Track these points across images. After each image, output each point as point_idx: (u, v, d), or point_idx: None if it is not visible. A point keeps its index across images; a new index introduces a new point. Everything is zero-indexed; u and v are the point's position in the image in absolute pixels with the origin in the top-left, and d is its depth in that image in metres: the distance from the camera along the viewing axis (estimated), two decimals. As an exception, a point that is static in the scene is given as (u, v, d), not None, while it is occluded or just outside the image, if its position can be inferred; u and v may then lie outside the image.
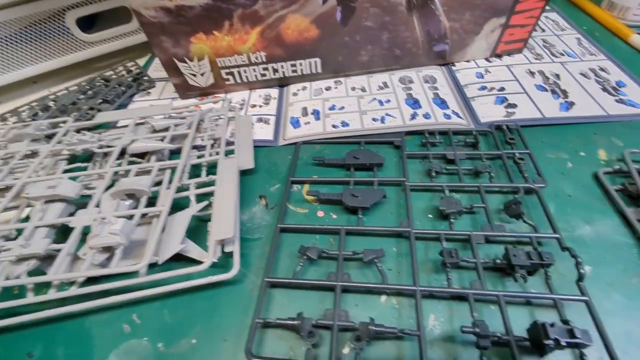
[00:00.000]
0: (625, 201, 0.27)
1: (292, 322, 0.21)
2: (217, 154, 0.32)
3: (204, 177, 0.31)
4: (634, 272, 0.24)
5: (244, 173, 0.33)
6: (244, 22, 0.35)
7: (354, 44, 0.39)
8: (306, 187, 0.32)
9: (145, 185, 0.28)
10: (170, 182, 0.30)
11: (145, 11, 0.34)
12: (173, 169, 0.31)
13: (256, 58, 0.39)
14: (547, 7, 0.52)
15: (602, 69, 0.40)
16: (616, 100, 0.36)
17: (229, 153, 0.33)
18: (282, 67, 0.40)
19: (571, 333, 0.18)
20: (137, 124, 0.36)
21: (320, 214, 0.29)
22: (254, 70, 0.40)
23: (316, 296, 0.24)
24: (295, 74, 0.42)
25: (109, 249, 0.25)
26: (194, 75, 0.40)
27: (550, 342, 0.18)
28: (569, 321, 0.20)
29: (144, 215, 0.27)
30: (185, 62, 0.38)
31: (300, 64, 0.41)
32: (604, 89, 0.37)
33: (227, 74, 0.40)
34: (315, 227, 0.27)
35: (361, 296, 0.24)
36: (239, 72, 0.40)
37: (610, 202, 0.28)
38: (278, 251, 0.27)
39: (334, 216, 0.29)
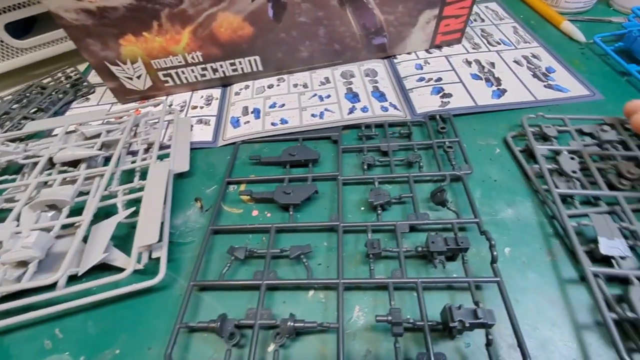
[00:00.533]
0: (526, 160, 0.30)
1: (212, 325, 0.21)
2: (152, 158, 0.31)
3: (135, 183, 0.30)
4: (547, 250, 0.25)
5: (180, 176, 0.33)
6: (174, 22, 0.35)
7: (292, 40, 0.39)
8: (242, 187, 0.31)
9: (67, 195, 0.27)
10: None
11: (66, 14, 0.32)
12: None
13: (192, 58, 0.38)
14: (487, -3, 0.53)
15: (534, 56, 0.41)
16: (545, 86, 0.37)
17: (164, 157, 0.33)
18: (221, 66, 0.40)
19: (475, 314, 0.19)
20: (68, 132, 0.35)
21: (255, 213, 0.29)
22: (193, 70, 0.40)
23: (245, 296, 0.24)
24: (236, 73, 0.41)
25: (24, 264, 0.24)
26: (130, 78, 0.39)
27: (455, 324, 0.18)
28: (479, 302, 0.20)
29: (67, 226, 0.27)
30: (119, 65, 0.37)
31: (240, 63, 0.40)
32: (535, 75, 0.39)
33: (164, 75, 0.39)
34: (246, 226, 0.27)
35: (289, 293, 0.24)
36: (177, 74, 0.40)
37: (527, 179, 0.29)
38: (210, 253, 0.27)
39: (268, 214, 0.29)
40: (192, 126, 0.37)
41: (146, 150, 0.33)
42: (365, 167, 0.30)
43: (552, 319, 0.21)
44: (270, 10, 0.36)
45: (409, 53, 0.44)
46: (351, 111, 0.36)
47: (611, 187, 0.27)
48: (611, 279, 0.23)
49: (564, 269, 0.24)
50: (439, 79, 0.39)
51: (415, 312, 0.22)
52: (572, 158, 0.28)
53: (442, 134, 0.32)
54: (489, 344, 0.19)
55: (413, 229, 0.26)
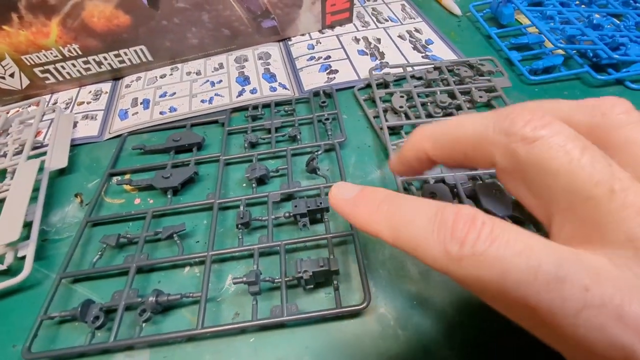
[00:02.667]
0: (368, 105, 0.35)
1: (73, 312, 0.21)
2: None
3: (3, 184, 0.29)
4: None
5: (60, 173, 0.31)
6: (36, 13, 0.33)
7: (176, 27, 0.38)
8: (127, 177, 0.31)
9: None
10: (-42, 195, 0.27)
11: None
12: (-37, 182, 0.28)
13: (70, 52, 0.37)
14: (382, -22, 0.56)
15: (417, 30, 0.44)
16: (422, 57, 0.40)
17: (40, 155, 0.31)
18: (105, 58, 0.38)
19: (317, 263, 0.20)
20: None
21: (137, 201, 0.29)
22: (74, 65, 0.38)
23: (121, 282, 0.24)
24: (124, 65, 0.40)
25: None
26: (2, 77, 0.36)
27: (301, 274, 0.20)
28: (332, 254, 0.22)
29: None
30: (-16, 64, 0.35)
31: (126, 54, 0.39)
32: (415, 48, 0.41)
33: (42, 72, 0.37)
34: (123, 215, 0.27)
35: (164, 272, 0.24)
36: (56, 69, 0.38)
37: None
38: (87, 246, 0.26)
39: (151, 201, 0.29)
40: (76, 122, 0.36)
41: (19, 152, 0.31)
42: (246, 145, 0.31)
43: (397, 262, 0.24)
44: (144, -3, 0.35)
45: (302, 35, 0.45)
46: (240, 94, 0.37)
47: (434, 116, 0.32)
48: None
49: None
50: (328, 57, 0.41)
51: (285, 269, 0.23)
52: (402, 96, 0.33)
53: (322, 108, 0.34)
54: (335, 288, 0.21)
55: (290, 197, 0.28)
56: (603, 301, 0.09)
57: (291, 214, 0.25)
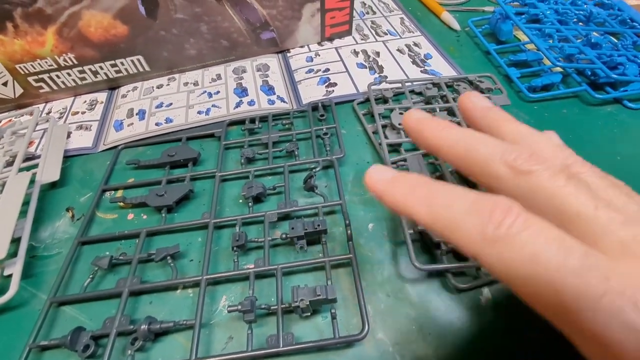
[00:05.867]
0: (367, 120, 0.34)
1: (63, 340, 0.20)
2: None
3: (-8, 199, 0.28)
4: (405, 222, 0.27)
5: (53, 186, 0.31)
6: (32, 23, 0.32)
7: (174, 38, 0.38)
8: (119, 193, 0.30)
9: None
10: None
11: None
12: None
13: (65, 61, 0.36)
14: (381, -10, 0.56)
15: (415, 44, 0.44)
16: (421, 71, 0.40)
17: (32, 168, 0.30)
18: (101, 68, 0.38)
19: (314, 292, 0.20)
20: None
21: (131, 216, 0.28)
22: (69, 74, 0.37)
23: (112, 305, 0.23)
24: (121, 74, 0.39)
25: None
26: (-5, 86, 0.36)
27: (297, 303, 0.19)
28: (329, 280, 0.22)
29: None
30: (-24, 73, 0.34)
31: (122, 64, 0.38)
32: (414, 62, 0.41)
33: (36, 81, 0.37)
34: (115, 234, 0.26)
35: (157, 294, 0.24)
36: (51, 78, 0.37)
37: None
38: (78, 265, 0.26)
39: (144, 217, 0.28)
40: (70, 133, 0.35)
41: (9, 164, 0.31)
42: (243, 161, 0.30)
43: (397, 284, 0.23)
44: (141, 7, 0.34)
45: (301, 47, 0.45)
46: (238, 105, 0.36)
47: None
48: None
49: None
50: (327, 70, 0.40)
51: (282, 295, 0.23)
52: (401, 113, 0.33)
53: (321, 122, 0.34)
54: (333, 317, 0.20)
55: (287, 216, 0.27)
56: (622, 289, 0.10)
57: (288, 236, 0.24)
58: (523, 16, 0.41)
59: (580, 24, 0.43)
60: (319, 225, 0.24)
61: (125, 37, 0.36)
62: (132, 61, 0.39)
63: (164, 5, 0.35)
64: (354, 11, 0.50)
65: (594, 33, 0.40)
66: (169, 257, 0.24)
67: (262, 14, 0.39)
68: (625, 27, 0.41)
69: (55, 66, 0.36)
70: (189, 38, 0.38)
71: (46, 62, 0.36)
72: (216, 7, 0.37)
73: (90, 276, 0.24)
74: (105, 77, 0.39)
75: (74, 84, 0.38)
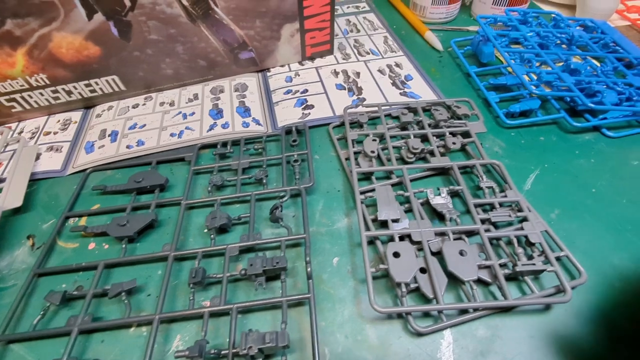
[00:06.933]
0: (341, 145, 0.34)
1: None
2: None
3: (-50, 227, 0.27)
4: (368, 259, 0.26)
5: (15, 212, 0.30)
6: (0, 44, 0.32)
7: (149, 58, 0.37)
8: (83, 220, 0.30)
9: None
10: None
11: None
12: None
13: (37, 81, 0.36)
14: (366, 8, 0.56)
15: (397, 65, 0.44)
16: (400, 93, 0.39)
17: (-5, 193, 0.30)
18: (75, 88, 0.37)
19: (264, 339, 0.19)
20: None
21: (92, 246, 0.28)
22: (42, 94, 0.37)
23: (63, 344, 0.22)
24: (96, 94, 0.39)
25: None
26: (-35, 106, 0.35)
27: (245, 351, 0.19)
28: (283, 324, 0.21)
29: None
30: (-55, 93, 0.34)
31: (97, 83, 0.38)
32: (394, 83, 0.41)
33: (8, 101, 0.36)
34: (73, 266, 0.26)
35: (110, 332, 0.23)
36: (23, 98, 0.36)
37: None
38: (32, 298, 0.25)
39: (106, 246, 0.28)
40: (39, 154, 0.35)
41: (-28, 188, 0.30)
42: (210, 188, 0.30)
43: (357, 325, 0.23)
44: (114, 29, 0.34)
45: (282, 66, 0.44)
46: (211, 128, 0.36)
47: (406, 161, 0.31)
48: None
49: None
50: (305, 91, 0.40)
51: (234, 338, 0.22)
52: (374, 140, 0.32)
53: (293, 147, 0.33)
54: (284, 364, 0.20)
55: (251, 249, 0.26)
56: None
57: (247, 273, 0.24)
58: (504, 39, 0.40)
59: (564, 46, 0.42)
60: (277, 263, 0.23)
61: (98, 57, 0.36)
62: (107, 81, 0.38)
63: (137, 27, 0.34)
64: (339, 29, 0.50)
65: (574, 58, 0.39)
66: (123, 294, 0.23)
67: (239, 35, 0.39)
68: (607, 50, 0.40)
69: (27, 86, 0.36)
70: (164, 58, 0.38)
71: (17, 83, 0.35)
72: (191, 29, 0.36)
73: (42, 312, 0.23)
74: (79, 97, 0.38)
75: (47, 104, 0.38)
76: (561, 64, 0.38)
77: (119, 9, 0.33)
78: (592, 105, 0.32)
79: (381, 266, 0.23)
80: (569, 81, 0.34)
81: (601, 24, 0.44)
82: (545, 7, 0.53)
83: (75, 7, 0.32)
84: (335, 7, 0.55)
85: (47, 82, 0.36)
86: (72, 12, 0.32)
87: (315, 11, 0.40)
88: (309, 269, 0.23)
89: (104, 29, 0.34)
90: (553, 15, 0.44)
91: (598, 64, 0.40)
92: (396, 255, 0.23)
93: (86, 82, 0.37)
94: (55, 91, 0.37)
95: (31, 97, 0.37)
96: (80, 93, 0.38)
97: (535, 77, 0.36)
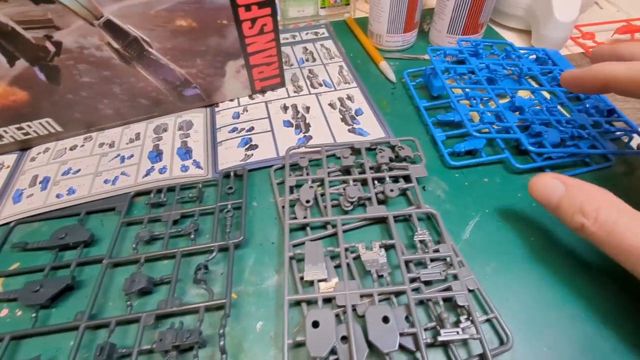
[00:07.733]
0: (281, 191, 0.32)
1: None
2: None
3: None
4: (287, 327, 0.25)
5: None
6: None
7: (84, 100, 0.36)
8: (0, 281, 0.28)
9: None
10: None
11: None
12: None
13: (-39, 127, 0.34)
14: (326, 35, 0.55)
15: (349, 98, 0.43)
16: (349, 130, 0.38)
17: None
18: (5, 132, 0.36)
19: None
20: None
21: (4, 312, 0.26)
22: (-30, 139, 0.35)
23: None
24: (30, 136, 0.37)
25: None
26: None
27: None
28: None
29: None
30: None
31: (30, 126, 0.36)
32: (343, 119, 0.40)
33: None
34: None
35: (7, 418, 0.21)
36: (-52, 144, 0.35)
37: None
38: None
39: (19, 313, 0.26)
40: (-37, 206, 0.33)
41: None
42: (135, 244, 0.28)
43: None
44: (40, 74, 0.33)
45: (232, 100, 0.43)
46: (148, 173, 0.34)
47: (344, 210, 0.30)
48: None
49: (308, 341, 0.24)
50: (251, 129, 0.39)
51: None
52: (312, 187, 0.31)
53: (229, 195, 0.32)
54: None
55: (172, 315, 0.25)
56: None
57: (156, 349, 0.22)
58: (454, 73, 0.40)
59: (514, 76, 0.42)
60: (188, 337, 0.22)
61: (27, 102, 0.34)
62: (41, 123, 0.36)
63: (66, 71, 0.33)
64: (294, 58, 0.49)
65: (519, 93, 0.39)
66: (23, 375, 0.22)
67: (180, 73, 0.37)
68: (556, 83, 0.40)
69: (-48, 133, 0.34)
70: (102, 99, 0.37)
71: (-60, 129, 0.33)
72: (127, 69, 0.35)
73: None
74: (12, 140, 0.37)
75: (-23, 148, 0.36)
76: (507, 99, 0.37)
77: (42, 55, 0.31)
78: (531, 148, 0.31)
79: (298, 338, 0.22)
80: (512, 121, 0.33)
81: (553, 54, 0.43)
82: (503, 32, 0.53)
83: (-6, 53, 0.30)
84: (294, 33, 0.55)
85: (-27, 127, 0.34)
86: (-7, 58, 0.30)
87: (260, 47, 0.39)
88: (221, 343, 0.22)
89: (29, 74, 0.32)
90: (506, 45, 0.44)
91: (548, 97, 0.39)
92: (315, 325, 0.22)
93: (17, 125, 0.36)
94: (-16, 136, 0.35)
95: (-42, 143, 0.35)
96: (12, 136, 0.36)
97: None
